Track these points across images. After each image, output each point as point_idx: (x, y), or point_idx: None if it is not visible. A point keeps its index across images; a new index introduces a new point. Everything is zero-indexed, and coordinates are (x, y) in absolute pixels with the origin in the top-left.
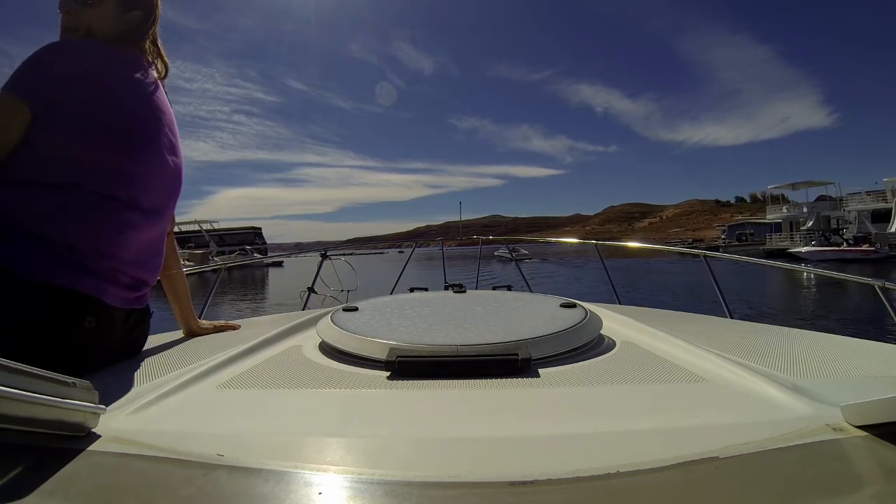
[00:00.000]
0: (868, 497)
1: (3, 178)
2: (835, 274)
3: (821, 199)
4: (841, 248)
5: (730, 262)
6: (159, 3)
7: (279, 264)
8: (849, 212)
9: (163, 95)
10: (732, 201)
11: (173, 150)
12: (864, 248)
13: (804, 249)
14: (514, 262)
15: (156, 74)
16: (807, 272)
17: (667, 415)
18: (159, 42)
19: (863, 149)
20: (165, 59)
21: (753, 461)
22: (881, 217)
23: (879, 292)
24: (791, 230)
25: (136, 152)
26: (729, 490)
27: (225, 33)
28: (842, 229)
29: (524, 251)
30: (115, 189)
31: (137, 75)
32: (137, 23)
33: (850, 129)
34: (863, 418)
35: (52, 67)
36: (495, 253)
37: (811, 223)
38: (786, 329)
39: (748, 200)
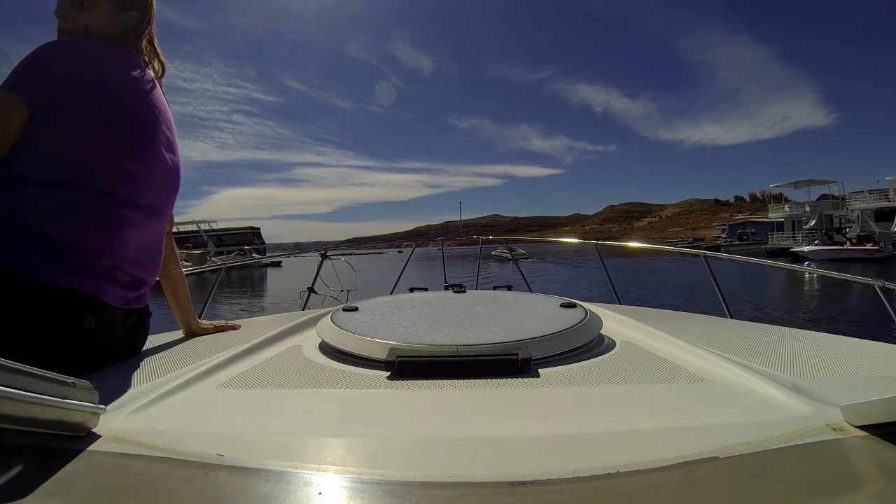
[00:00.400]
0: (868, 497)
1: (3, 177)
2: (835, 274)
3: (823, 197)
4: (844, 248)
5: (730, 262)
6: (154, 2)
7: (278, 264)
8: (852, 211)
9: (160, 94)
10: (732, 200)
11: (171, 148)
12: (869, 247)
13: (807, 249)
14: (511, 262)
15: (152, 74)
16: (807, 272)
17: (667, 415)
18: (156, 42)
19: (862, 148)
20: (162, 58)
21: (753, 461)
22: (884, 216)
23: (879, 292)
24: (793, 229)
25: (136, 151)
26: (729, 490)
27: (224, 33)
28: (845, 228)
29: (521, 251)
30: (114, 188)
31: (136, 74)
32: (134, 23)
33: (849, 129)
34: (863, 418)
35: (50, 66)
36: (492, 252)
37: (814, 222)
38: (786, 329)
39: (747, 200)
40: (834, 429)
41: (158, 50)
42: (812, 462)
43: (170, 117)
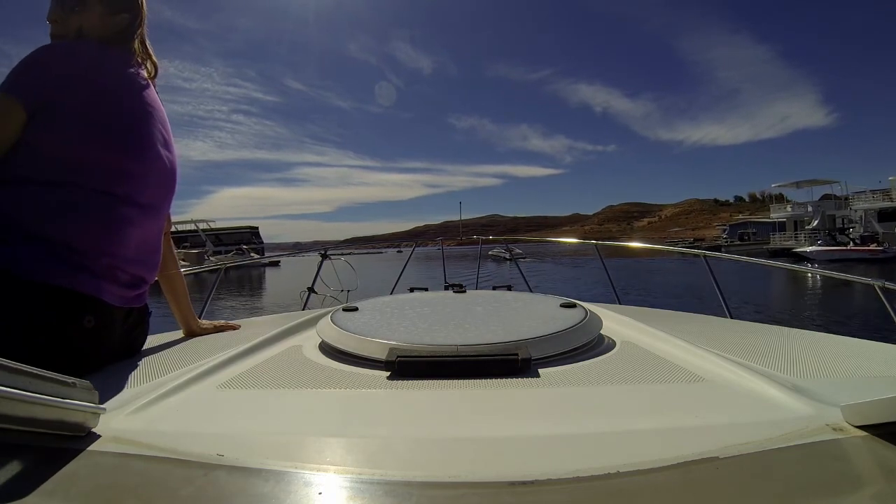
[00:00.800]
0: (868, 497)
1: (3, 177)
2: (835, 274)
3: (825, 197)
4: (848, 248)
5: (731, 263)
6: (145, 4)
7: (276, 264)
8: (854, 211)
9: (154, 94)
10: (731, 201)
11: (168, 146)
12: (872, 247)
13: (810, 249)
14: (508, 262)
15: (145, 74)
16: (808, 272)
17: (667, 415)
18: (148, 43)
19: (862, 148)
20: (154, 59)
21: (753, 461)
22: (888, 216)
23: (879, 292)
24: (795, 229)
25: (135, 150)
26: (729, 490)
27: (224, 33)
28: (848, 229)
29: (518, 250)
30: (113, 186)
31: (131, 74)
32: (125, 25)
33: (849, 129)
34: (863, 418)
35: (49, 67)
36: (490, 252)
37: (816, 222)
38: (786, 329)
39: (747, 200)
40: (834, 429)
41: (150, 51)
42: (812, 462)
43: (165, 116)
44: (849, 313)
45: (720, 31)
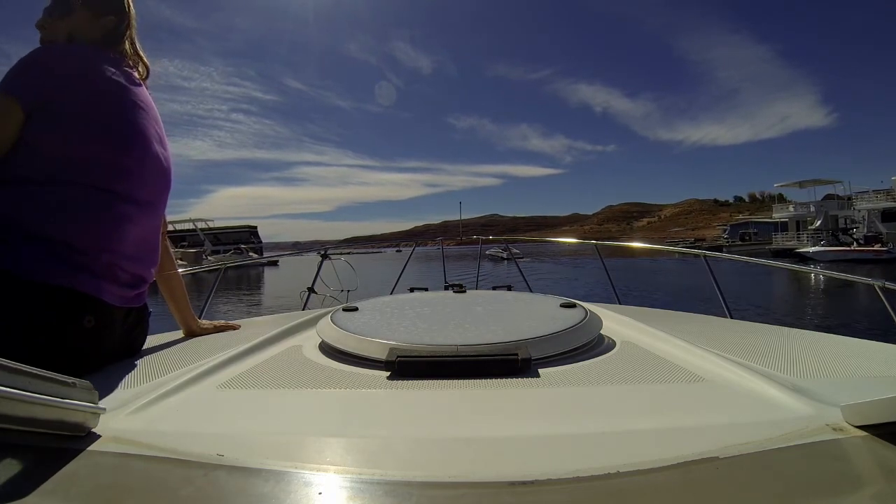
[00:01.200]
0: (868, 497)
1: (3, 177)
2: (835, 274)
3: (828, 197)
4: (851, 248)
5: (732, 263)
6: (132, 6)
7: (275, 264)
8: (857, 211)
9: (147, 93)
10: (731, 201)
11: (163, 144)
12: (876, 247)
13: (812, 249)
14: (505, 262)
15: (137, 75)
16: (808, 272)
17: (667, 415)
18: (138, 45)
19: (862, 148)
20: (146, 60)
21: (753, 461)
22: (891, 216)
23: (879, 292)
24: (798, 230)
25: (134, 148)
26: (729, 490)
27: (223, 32)
28: (851, 229)
29: (516, 250)
30: (112, 183)
31: (126, 74)
32: (112, 27)
33: (849, 129)
34: (863, 418)
35: (47, 67)
36: (487, 252)
37: (819, 222)
38: (786, 329)
39: (746, 200)
40: (834, 429)
41: (141, 53)
42: (812, 462)
43: (158, 115)
44: (850, 314)
45: (720, 31)
